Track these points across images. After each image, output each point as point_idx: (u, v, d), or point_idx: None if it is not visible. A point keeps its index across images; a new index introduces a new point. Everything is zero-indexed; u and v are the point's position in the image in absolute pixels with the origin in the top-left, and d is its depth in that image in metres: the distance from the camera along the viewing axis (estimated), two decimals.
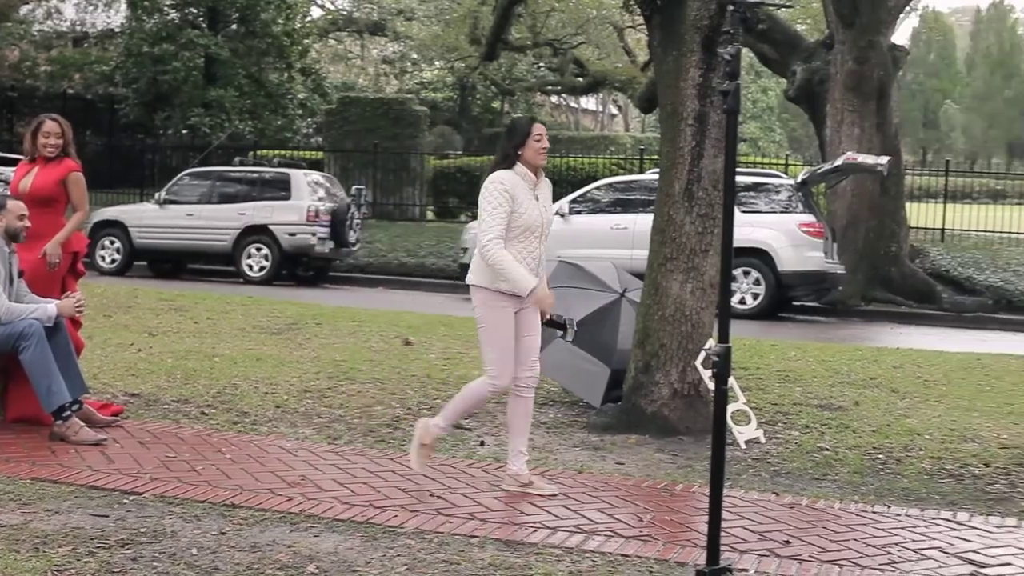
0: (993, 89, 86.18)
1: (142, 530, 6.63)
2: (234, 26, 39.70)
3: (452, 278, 25.00)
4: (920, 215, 30.05)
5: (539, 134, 7.76)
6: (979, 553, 7.01)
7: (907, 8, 28.70)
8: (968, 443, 10.05)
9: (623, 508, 7.58)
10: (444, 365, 13.04)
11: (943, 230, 30.65)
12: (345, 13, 52.26)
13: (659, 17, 10.45)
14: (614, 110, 76.69)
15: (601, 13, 40.75)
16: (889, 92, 24.69)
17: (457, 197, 35.85)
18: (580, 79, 46.10)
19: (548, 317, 7.97)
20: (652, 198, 11.30)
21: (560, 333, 8.53)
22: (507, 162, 7.73)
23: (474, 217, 32.36)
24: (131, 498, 7.29)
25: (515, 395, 7.89)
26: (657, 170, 10.82)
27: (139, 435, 9.07)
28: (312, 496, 7.52)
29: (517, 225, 7.62)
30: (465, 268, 23.23)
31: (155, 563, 6.08)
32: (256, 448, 8.85)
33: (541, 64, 47.99)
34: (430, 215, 36.71)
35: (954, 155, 66.22)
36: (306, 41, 42.72)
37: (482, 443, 9.42)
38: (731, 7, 5.35)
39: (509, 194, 7.59)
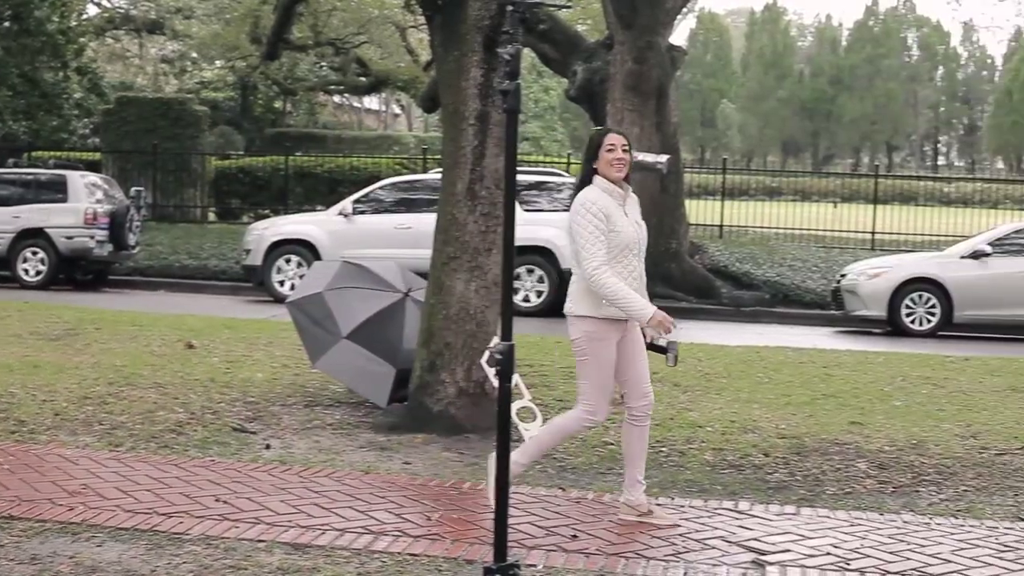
0: (767, 89, 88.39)
1: None
2: (7, 24, 38.55)
3: (235, 280, 24.69)
4: (699, 212, 30.67)
5: (611, 144, 7.34)
6: (760, 541, 7.18)
7: (684, 9, 29.20)
8: (748, 434, 10.28)
9: (411, 508, 7.57)
10: (228, 368, 12.87)
11: (721, 226, 31.31)
12: (122, 11, 51.19)
13: (440, 17, 10.46)
14: (397, 110, 76.63)
15: (383, 13, 40.66)
16: (668, 92, 25.10)
17: (239, 198, 35.44)
18: (363, 79, 45.97)
19: (650, 340, 7.56)
20: (436, 197, 11.32)
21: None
22: (587, 180, 7.39)
23: (258, 217, 32.08)
24: None
25: (630, 424, 7.53)
26: (440, 169, 10.83)
27: None
28: (94, 505, 7.35)
29: (615, 245, 7.22)
30: (248, 269, 23.10)
31: None
32: (35, 458, 8.63)
33: (323, 64, 47.72)
34: (212, 216, 36.21)
35: (731, 153, 67.72)
36: (82, 40, 41.72)
37: (268, 446, 9.32)
38: (510, 7, 5.37)
39: (603, 213, 7.20)
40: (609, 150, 7.33)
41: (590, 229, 7.19)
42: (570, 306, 7.36)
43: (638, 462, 7.56)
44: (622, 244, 7.25)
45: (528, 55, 32.15)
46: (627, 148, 7.38)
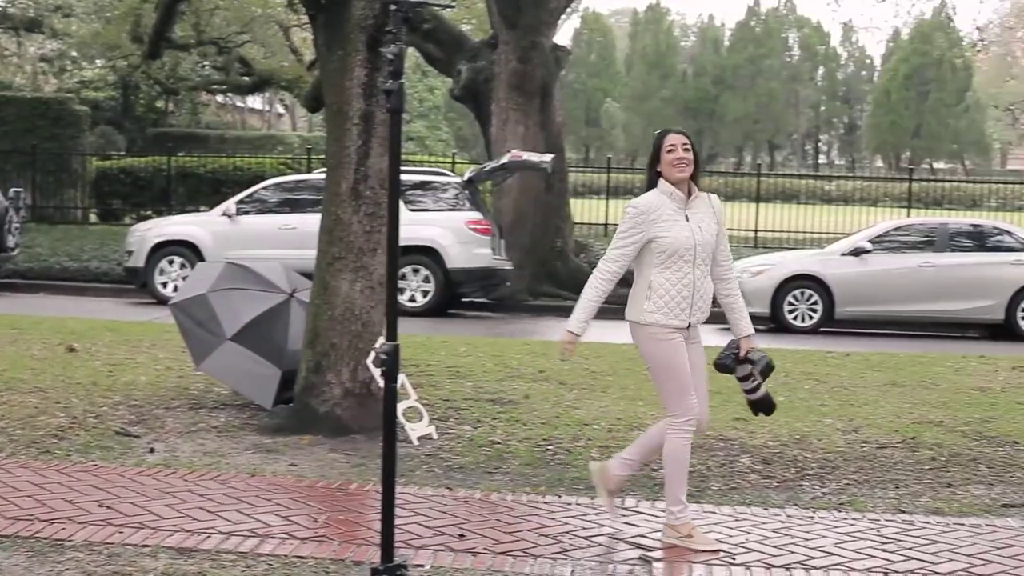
0: (651, 88, 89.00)
1: None
2: None
3: (117, 282, 24.34)
4: (584, 211, 30.81)
5: (671, 145, 7.10)
6: (647, 537, 7.24)
7: (568, 9, 29.32)
8: (634, 431, 10.32)
9: (297, 510, 7.53)
10: (110, 371, 12.70)
11: (606, 225, 31.48)
12: None
13: (324, 16, 10.41)
14: (281, 109, 76.11)
15: (266, 12, 40.31)
16: (552, 91, 25.20)
17: (121, 199, 34.96)
18: (246, 78, 45.57)
19: (744, 354, 7.31)
20: (320, 198, 11.26)
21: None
22: (651, 184, 7.24)
23: (140, 218, 31.71)
24: None
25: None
26: (325, 170, 10.78)
27: None
28: None
29: (662, 250, 7.05)
30: (131, 271, 22.83)
31: None
32: None
33: (206, 63, 47.24)
34: (93, 218, 35.70)
35: (615, 152, 68.13)
36: None
37: (152, 450, 9.22)
38: (394, 7, 5.36)
39: (642, 218, 7.08)
40: (669, 150, 7.12)
41: (620, 229, 7.23)
42: (626, 311, 7.32)
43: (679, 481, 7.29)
44: (670, 250, 7.08)
45: (412, 54, 32.15)
46: (688, 147, 7.14)
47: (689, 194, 7.16)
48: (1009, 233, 22.44)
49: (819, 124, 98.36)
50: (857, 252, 21.35)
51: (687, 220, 7.12)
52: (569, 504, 7.98)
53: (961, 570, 6.86)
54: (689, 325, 7.17)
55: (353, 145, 10.04)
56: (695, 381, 7.14)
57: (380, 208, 9.95)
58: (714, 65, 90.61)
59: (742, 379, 7.32)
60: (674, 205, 7.13)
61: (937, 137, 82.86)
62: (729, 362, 7.28)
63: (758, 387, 7.24)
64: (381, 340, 5.62)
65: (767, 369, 7.33)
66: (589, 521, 7.55)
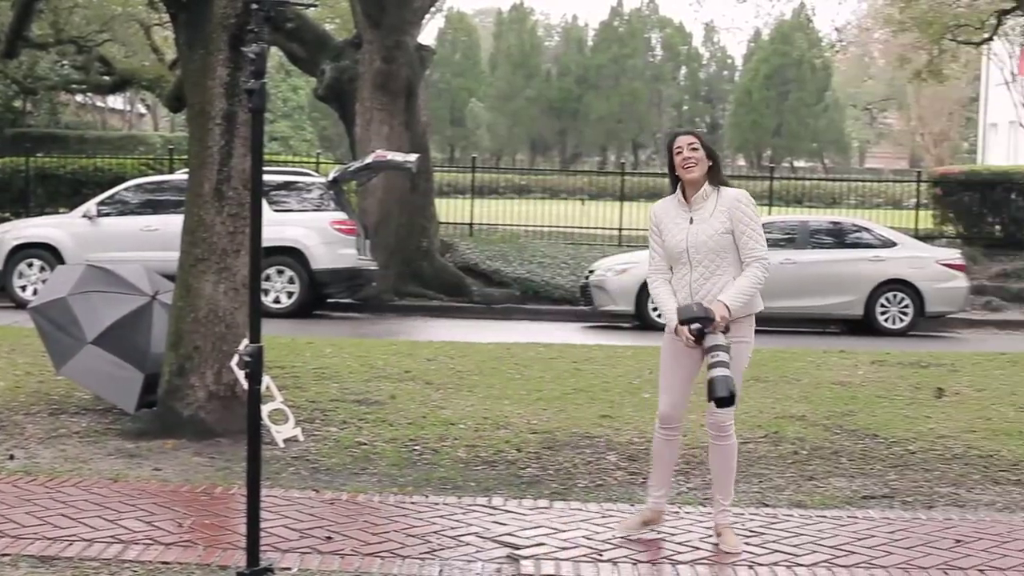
0: (515, 88, 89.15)
1: None
2: None
3: None
4: (449, 211, 30.80)
5: (678, 147, 7.08)
6: (515, 535, 7.27)
7: (433, 9, 29.34)
8: (500, 430, 10.37)
9: (162, 515, 7.44)
10: None
11: (471, 225, 31.48)
12: None
13: (185, 15, 10.31)
14: (142, 109, 75.12)
15: (127, 10, 39.76)
16: (417, 91, 25.19)
17: None
18: (106, 78, 44.89)
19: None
20: (183, 199, 11.13)
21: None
22: (673, 187, 7.22)
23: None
24: None
25: (710, 440, 7.52)
26: (187, 170, 10.67)
27: None
28: None
29: (667, 255, 7.23)
30: None
31: None
32: None
33: (65, 62, 46.49)
34: None
35: (480, 152, 68.21)
36: None
37: (11, 457, 9.05)
38: (256, 6, 5.32)
39: (654, 224, 7.23)
40: (677, 152, 7.10)
41: (649, 240, 7.36)
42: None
43: (714, 481, 7.45)
44: (671, 253, 7.18)
45: (276, 54, 31.92)
46: (695, 146, 7.09)
47: (695, 194, 7.12)
48: (868, 230, 22.89)
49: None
50: None
51: (690, 222, 7.11)
52: (436, 504, 7.98)
53: (824, 561, 6.98)
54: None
55: (216, 145, 9.95)
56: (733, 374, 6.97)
57: (243, 209, 9.87)
58: (578, 65, 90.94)
59: (708, 350, 7.02)
60: (680, 208, 7.15)
61: (797, 136, 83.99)
62: (696, 310, 6.98)
63: (720, 364, 6.93)
64: (245, 342, 5.58)
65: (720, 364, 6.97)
66: (457, 521, 7.56)
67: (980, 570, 6.93)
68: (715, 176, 7.17)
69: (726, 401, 6.95)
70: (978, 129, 61.59)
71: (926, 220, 31.27)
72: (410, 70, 24.62)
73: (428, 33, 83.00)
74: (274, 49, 26.99)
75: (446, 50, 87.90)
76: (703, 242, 7.06)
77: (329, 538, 7.07)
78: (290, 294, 21.33)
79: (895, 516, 8.12)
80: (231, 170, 9.93)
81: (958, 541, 7.48)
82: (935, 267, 22.14)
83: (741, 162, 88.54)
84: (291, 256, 21.25)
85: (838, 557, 7.07)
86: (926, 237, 28.50)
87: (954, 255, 23.23)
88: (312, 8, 28.99)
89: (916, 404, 12.41)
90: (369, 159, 21.84)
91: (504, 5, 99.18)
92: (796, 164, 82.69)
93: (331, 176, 22.60)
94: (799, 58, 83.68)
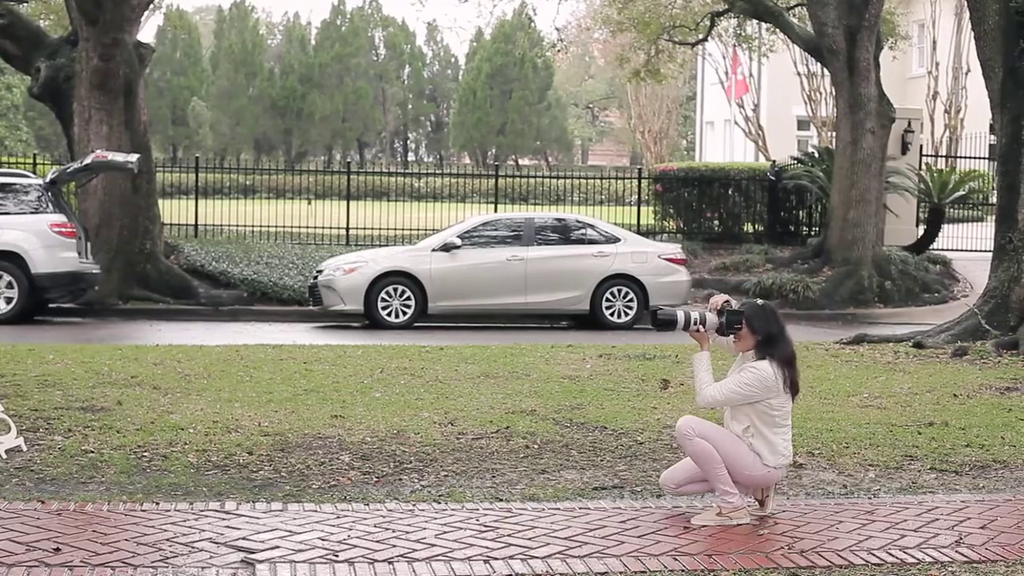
0: (238, 87, 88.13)
1: None
2: None
3: None
4: (173, 211, 30.25)
5: None
6: (249, 539, 7.20)
7: (151, 6, 28.73)
8: (232, 433, 10.25)
9: None
10: None
11: (196, 226, 31.00)
12: None
13: None
14: None
15: None
16: (137, 90, 24.70)
17: None
18: None
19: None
20: None
21: None
22: None
23: None
24: None
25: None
26: None
27: None
28: None
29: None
30: None
31: None
32: None
33: None
34: None
35: (204, 151, 67.19)
36: None
37: None
38: None
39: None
40: None
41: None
42: None
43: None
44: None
45: None
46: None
47: None
48: (592, 226, 23.35)
49: (407, 122, 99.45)
50: (447, 247, 21.78)
51: None
52: (168, 511, 7.84)
53: (558, 553, 7.10)
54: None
55: None
56: None
57: None
58: (301, 63, 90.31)
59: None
60: None
61: (521, 134, 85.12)
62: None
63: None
64: None
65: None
66: (189, 527, 7.45)
67: (708, 555, 7.15)
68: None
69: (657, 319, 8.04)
70: (695, 127, 63.46)
71: (648, 216, 32.04)
72: (129, 68, 24.12)
73: (147, 31, 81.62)
74: None
75: (166, 48, 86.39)
76: None
77: (57, 550, 6.89)
78: (9, 300, 20.68)
79: (625, 506, 8.31)
80: None
81: (686, 528, 7.70)
82: (657, 262, 22.71)
83: (467, 160, 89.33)
84: (9, 260, 20.62)
85: (572, 548, 7.20)
86: (648, 233, 29.26)
87: (675, 250, 23.88)
88: (24, 4, 28.21)
89: (643, 396, 12.72)
90: (88, 159, 21.37)
91: (225, 3, 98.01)
92: (521, 162, 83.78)
93: (49, 177, 22.01)
94: (521, 57, 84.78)
